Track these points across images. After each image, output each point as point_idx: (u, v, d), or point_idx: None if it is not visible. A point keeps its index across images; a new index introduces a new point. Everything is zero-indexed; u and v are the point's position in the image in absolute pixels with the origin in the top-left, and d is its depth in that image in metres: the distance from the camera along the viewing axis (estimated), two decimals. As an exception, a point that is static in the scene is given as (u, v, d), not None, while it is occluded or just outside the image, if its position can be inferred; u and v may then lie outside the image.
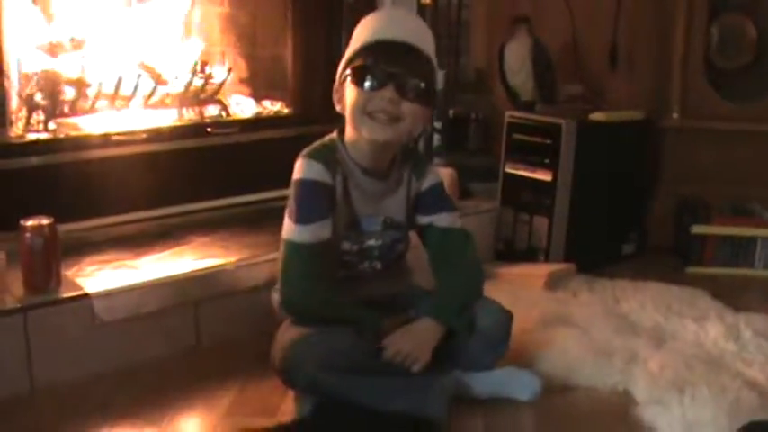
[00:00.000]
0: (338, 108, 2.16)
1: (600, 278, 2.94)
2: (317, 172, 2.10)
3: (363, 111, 2.06)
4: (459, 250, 2.23)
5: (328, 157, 2.13)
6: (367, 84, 2.05)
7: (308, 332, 2.04)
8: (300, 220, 2.09)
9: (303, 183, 2.11)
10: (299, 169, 2.12)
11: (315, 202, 2.10)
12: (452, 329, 2.10)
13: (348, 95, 2.09)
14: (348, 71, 2.09)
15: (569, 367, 2.26)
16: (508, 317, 2.19)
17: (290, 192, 2.13)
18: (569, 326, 2.48)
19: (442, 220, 2.24)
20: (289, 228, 2.11)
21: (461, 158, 3.25)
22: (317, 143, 2.18)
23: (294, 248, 2.10)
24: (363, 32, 2.11)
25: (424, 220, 2.25)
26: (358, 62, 2.07)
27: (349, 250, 2.18)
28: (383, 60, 2.05)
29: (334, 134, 2.19)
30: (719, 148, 3.30)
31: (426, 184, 2.24)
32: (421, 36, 2.13)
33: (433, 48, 2.16)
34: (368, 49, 2.07)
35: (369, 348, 2.04)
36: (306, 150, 2.15)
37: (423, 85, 2.08)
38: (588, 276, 2.95)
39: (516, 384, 2.14)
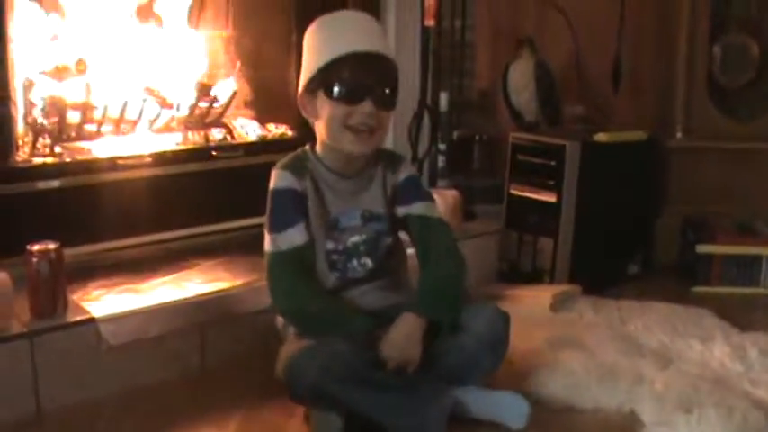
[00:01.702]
0: (306, 115, 2.22)
1: (605, 299, 2.93)
2: (287, 180, 2.19)
3: (343, 124, 2.12)
4: (434, 238, 2.26)
5: (297, 164, 2.22)
6: (346, 98, 2.10)
7: (310, 343, 2.06)
8: (273, 228, 2.17)
9: (274, 192, 2.19)
10: (271, 181, 2.20)
11: (286, 209, 2.17)
12: (434, 321, 2.11)
13: (324, 109, 2.14)
14: (320, 84, 2.13)
15: (575, 388, 2.25)
16: (504, 317, 2.20)
17: (267, 204, 2.20)
18: (575, 347, 2.47)
19: (417, 208, 2.27)
20: (266, 239, 2.18)
21: (465, 180, 3.26)
22: (288, 156, 2.26)
23: (271, 257, 2.16)
24: (329, 42, 2.14)
25: (401, 210, 2.27)
26: (334, 75, 2.10)
27: (334, 249, 2.21)
28: (360, 74, 2.10)
29: (306, 147, 2.27)
30: (724, 166, 3.31)
31: (402, 176, 2.28)
32: (384, 41, 2.22)
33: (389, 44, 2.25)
34: (342, 62, 2.10)
35: (369, 357, 2.05)
36: (278, 163, 2.23)
37: (393, 93, 2.15)
38: (593, 297, 2.94)
39: (506, 409, 2.12)
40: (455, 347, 2.13)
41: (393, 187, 2.27)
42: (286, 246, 2.14)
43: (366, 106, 2.10)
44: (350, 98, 2.10)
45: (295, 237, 2.15)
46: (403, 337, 2.07)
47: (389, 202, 2.27)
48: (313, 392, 2.00)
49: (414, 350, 2.07)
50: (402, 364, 2.05)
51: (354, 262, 2.23)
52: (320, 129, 2.19)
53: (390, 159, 2.30)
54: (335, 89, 2.10)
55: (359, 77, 2.10)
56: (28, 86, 2.67)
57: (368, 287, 2.24)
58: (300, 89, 2.19)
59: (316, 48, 2.16)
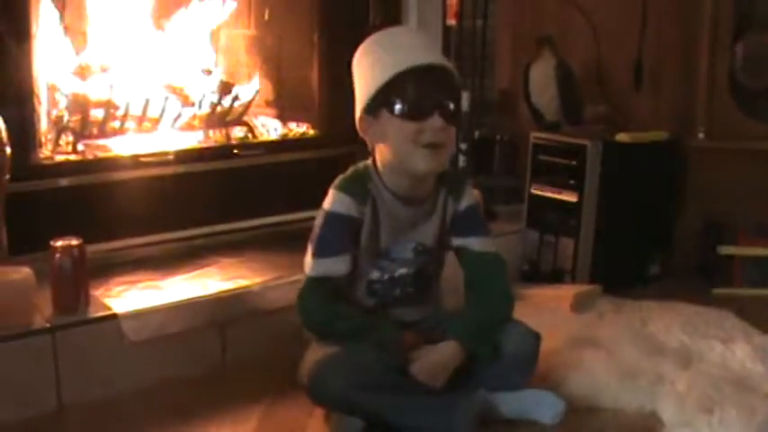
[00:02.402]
0: (368, 139, 2.14)
1: (626, 299, 2.92)
2: (344, 205, 2.10)
3: (415, 142, 2.04)
4: (490, 276, 2.22)
5: (359, 187, 2.12)
6: (414, 114, 2.02)
7: (335, 350, 2.05)
8: (316, 252, 2.11)
9: (328, 215, 2.11)
10: (328, 200, 2.12)
11: (334, 236, 2.10)
12: (475, 353, 2.11)
13: (390, 128, 2.06)
14: (383, 103, 2.05)
15: (596, 389, 2.25)
16: (536, 339, 2.18)
17: (316, 220, 2.14)
18: (596, 347, 2.46)
19: (475, 243, 2.22)
20: (307, 258, 2.13)
21: (486, 180, 3.26)
22: (350, 171, 2.16)
23: (306, 280, 2.12)
24: (387, 59, 2.06)
25: (457, 242, 2.23)
26: (397, 92, 2.02)
27: (378, 279, 2.19)
28: (426, 87, 2.02)
29: (369, 161, 2.17)
30: (746, 167, 3.28)
31: (463, 204, 2.22)
32: (441, 53, 2.15)
33: None
34: (404, 77, 2.02)
35: (395, 365, 2.04)
36: (338, 180, 2.14)
37: (457, 106, 2.09)
38: (614, 297, 2.93)
39: (540, 406, 2.12)
40: (487, 370, 2.12)
41: (453, 215, 2.22)
42: (325, 274, 2.10)
43: (436, 121, 2.02)
44: (419, 114, 2.02)
45: (335, 267, 2.10)
46: (437, 365, 2.06)
47: (444, 232, 2.22)
48: (337, 402, 2.01)
49: (442, 376, 2.06)
50: (428, 382, 2.04)
51: (397, 291, 2.22)
52: (385, 151, 2.10)
53: (454, 184, 2.21)
54: (402, 106, 2.02)
55: (426, 91, 2.02)
56: (51, 84, 2.69)
57: (404, 305, 2.24)
58: (359, 112, 2.10)
59: (372, 67, 2.08)
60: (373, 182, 2.14)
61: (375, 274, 2.18)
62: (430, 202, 2.19)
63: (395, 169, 2.11)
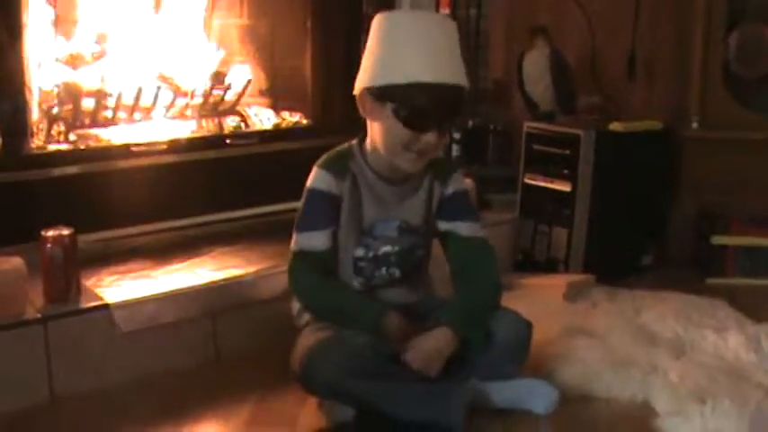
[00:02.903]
0: (363, 114, 2.15)
1: (619, 289, 2.92)
2: (324, 181, 2.14)
3: (405, 147, 2.08)
4: (479, 261, 2.23)
5: (339, 164, 2.16)
6: (414, 126, 2.05)
7: (326, 337, 2.05)
8: (299, 227, 2.17)
9: (309, 192, 2.16)
10: (310, 178, 2.17)
11: (315, 212, 2.15)
12: (468, 340, 2.10)
13: (387, 122, 2.08)
14: (391, 98, 2.05)
15: (589, 378, 2.25)
16: (528, 327, 2.18)
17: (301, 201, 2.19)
18: (589, 336, 2.46)
19: (463, 228, 2.24)
20: (293, 236, 2.17)
21: (480, 169, 3.25)
22: (332, 151, 2.20)
23: (293, 256, 2.17)
24: (410, 58, 2.05)
25: (444, 225, 2.25)
26: (408, 99, 2.03)
27: (363, 257, 2.20)
28: (436, 108, 2.05)
29: (354, 141, 2.21)
30: (739, 157, 3.28)
31: (451, 189, 2.24)
32: (460, 66, 2.11)
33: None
34: (421, 89, 2.03)
35: (387, 352, 2.04)
36: (320, 159, 2.18)
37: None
38: (607, 287, 2.93)
39: (533, 395, 2.12)
40: (479, 359, 2.12)
41: (440, 199, 2.24)
42: (306, 247, 2.14)
43: (431, 137, 2.06)
44: (419, 127, 2.05)
45: (317, 241, 2.14)
46: (432, 351, 2.05)
47: (430, 214, 2.25)
48: (328, 389, 2.01)
49: (437, 364, 2.05)
50: (422, 370, 2.04)
51: (383, 270, 2.23)
52: (376, 135, 2.13)
53: (441, 169, 2.24)
54: (407, 114, 2.04)
55: (433, 111, 2.05)
56: (43, 74, 2.67)
57: (392, 288, 2.24)
58: (362, 88, 2.11)
59: (393, 55, 2.08)
60: (355, 159, 2.18)
61: (359, 252, 2.20)
62: (415, 181, 2.21)
63: (379, 153, 2.15)
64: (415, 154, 2.09)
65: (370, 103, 2.10)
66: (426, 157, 2.12)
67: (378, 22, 2.12)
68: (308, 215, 2.16)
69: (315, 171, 2.16)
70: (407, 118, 2.05)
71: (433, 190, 2.23)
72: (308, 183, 2.16)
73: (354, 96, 2.13)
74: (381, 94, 2.07)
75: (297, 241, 2.16)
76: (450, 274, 2.25)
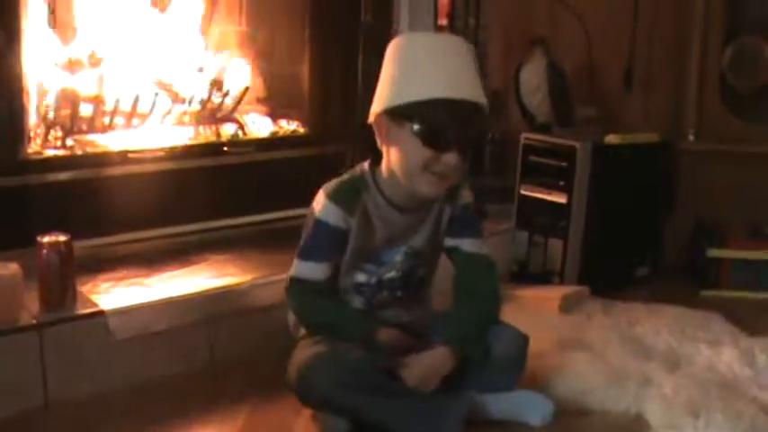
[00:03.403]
0: (379, 138, 2.11)
1: (614, 301, 2.93)
2: (332, 215, 2.11)
3: (425, 168, 2.03)
4: (479, 278, 2.23)
5: (351, 196, 2.12)
6: (435, 145, 2.01)
7: (323, 350, 2.05)
8: (300, 254, 2.16)
9: (316, 222, 2.13)
10: (319, 208, 2.12)
11: (317, 244, 2.14)
12: (466, 357, 2.10)
13: (406, 144, 2.04)
14: (410, 118, 2.01)
15: (583, 391, 2.25)
16: (525, 341, 2.18)
17: (306, 223, 2.17)
18: (583, 349, 2.47)
19: (466, 244, 2.23)
20: (294, 260, 2.17)
21: (477, 179, 3.23)
22: (344, 177, 2.17)
23: (290, 281, 2.17)
24: (429, 75, 2.03)
25: (450, 242, 2.24)
26: (428, 117, 2.00)
27: (366, 282, 2.20)
28: (457, 126, 2.00)
29: (366, 165, 2.17)
30: (736, 170, 3.29)
31: (459, 203, 2.22)
32: (478, 85, 2.08)
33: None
34: (440, 106, 2.00)
35: (382, 366, 2.04)
36: (330, 187, 2.14)
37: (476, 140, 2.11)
38: (602, 299, 2.93)
39: (529, 408, 2.13)
40: (476, 373, 2.12)
41: (449, 218, 2.22)
42: (304, 275, 2.15)
43: (452, 158, 2.01)
44: (439, 146, 2.01)
45: (313, 272, 2.14)
46: (428, 368, 2.06)
47: (440, 235, 2.23)
48: (323, 402, 2.01)
49: (433, 383, 2.05)
50: (420, 387, 2.04)
51: (385, 293, 2.23)
52: (394, 159, 2.09)
53: (450, 192, 2.18)
54: (426, 133, 2.00)
55: (454, 126, 2.00)
56: (40, 79, 2.67)
57: (390, 309, 2.24)
58: (379, 109, 2.07)
59: (409, 74, 2.05)
60: (368, 188, 2.14)
61: (361, 278, 2.19)
62: (425, 209, 2.19)
63: (396, 179, 2.10)
64: (435, 176, 2.04)
65: (388, 125, 2.06)
66: (447, 181, 2.08)
67: (394, 45, 2.10)
68: (312, 246, 2.15)
69: (324, 201, 2.11)
70: (427, 135, 2.00)
71: (443, 214, 2.22)
72: (316, 211, 2.12)
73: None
74: (400, 113, 2.03)
75: (297, 268, 2.16)
76: (452, 287, 2.25)
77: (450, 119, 1.99)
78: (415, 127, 2.01)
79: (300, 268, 2.15)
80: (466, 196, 2.25)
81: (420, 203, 2.16)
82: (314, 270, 2.14)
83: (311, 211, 2.14)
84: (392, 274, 2.20)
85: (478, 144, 2.11)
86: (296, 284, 2.16)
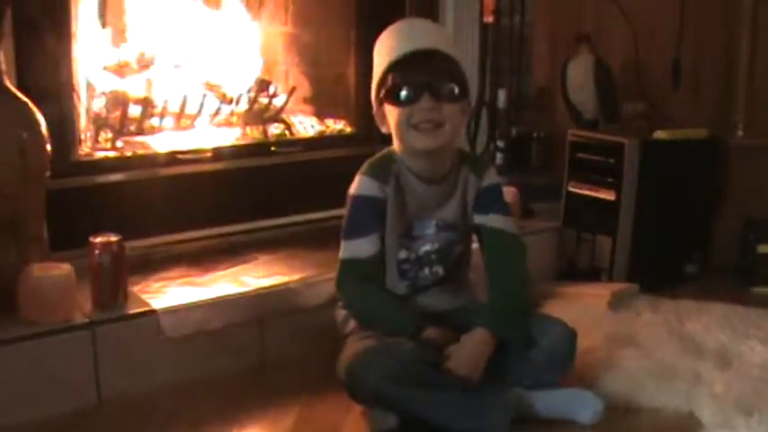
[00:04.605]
0: (383, 129, 2.24)
1: (663, 298, 2.90)
2: (368, 187, 2.19)
3: (408, 125, 2.13)
4: (509, 257, 2.25)
5: (383, 169, 2.21)
6: (403, 99, 2.12)
7: (371, 345, 2.07)
8: (346, 235, 2.21)
9: (354, 198, 2.20)
10: (354, 185, 2.21)
11: (360, 218, 2.20)
12: (507, 341, 2.11)
13: (389, 115, 2.17)
14: (382, 92, 2.17)
15: (632, 388, 2.24)
16: (572, 334, 2.19)
17: (345, 209, 2.23)
18: (633, 346, 2.45)
19: (495, 220, 2.26)
20: (341, 243, 2.21)
21: (524, 177, 3.24)
22: (375, 156, 2.26)
23: (340, 263, 2.21)
24: (384, 52, 2.19)
25: (478, 219, 2.27)
26: (389, 81, 2.15)
27: (406, 258, 2.23)
28: (411, 72, 2.12)
29: (393, 147, 2.25)
30: (786, 166, 3.26)
31: (485, 182, 2.27)
32: (436, 37, 2.23)
33: (451, 42, 2.31)
34: (394, 67, 2.13)
35: (430, 360, 2.05)
36: (362, 167, 2.23)
37: (453, 84, 2.15)
38: (651, 296, 2.91)
39: (577, 405, 2.12)
40: (522, 362, 2.13)
41: (475, 192, 2.26)
42: (353, 255, 2.18)
43: (424, 102, 2.11)
44: (408, 98, 2.12)
45: (363, 247, 2.17)
46: (473, 355, 2.07)
47: (466, 209, 2.27)
48: (373, 396, 2.02)
49: (480, 368, 2.06)
50: (466, 379, 2.04)
51: (426, 271, 2.25)
52: (393, 136, 2.21)
53: (475, 164, 2.30)
54: (394, 93, 2.14)
55: (411, 76, 2.12)
56: (90, 81, 2.70)
57: (436, 290, 2.26)
58: (374, 103, 2.23)
59: (376, 61, 2.22)
60: (396, 162, 2.21)
61: (402, 254, 2.22)
62: (452, 179, 2.25)
63: (405, 152, 2.20)
64: (422, 129, 2.12)
65: (379, 111, 2.22)
66: (436, 130, 2.13)
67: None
68: (354, 222, 2.20)
69: (358, 178, 2.21)
70: (392, 96, 2.14)
71: (468, 184, 2.26)
72: (352, 190, 2.20)
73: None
74: (377, 96, 2.20)
75: (344, 249, 2.20)
76: (484, 270, 2.28)
77: (403, 70, 2.13)
78: (386, 97, 2.16)
79: (348, 248, 2.19)
80: (496, 177, 2.31)
81: (443, 171, 2.23)
82: (360, 246, 2.17)
83: (348, 196, 2.22)
84: (427, 247, 2.24)
85: (455, 83, 2.15)
86: (346, 268, 2.19)
